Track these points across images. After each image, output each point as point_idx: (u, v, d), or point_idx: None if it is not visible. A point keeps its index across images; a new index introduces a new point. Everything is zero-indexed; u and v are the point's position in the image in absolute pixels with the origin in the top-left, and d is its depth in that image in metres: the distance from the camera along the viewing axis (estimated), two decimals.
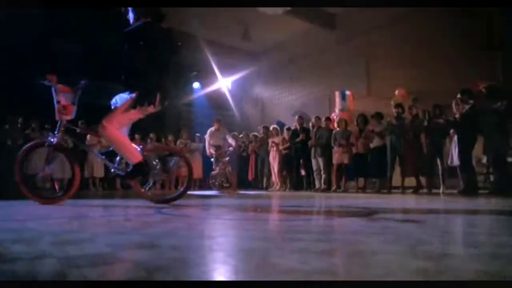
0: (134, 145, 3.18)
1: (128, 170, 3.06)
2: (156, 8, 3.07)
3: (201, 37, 10.97)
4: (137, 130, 9.86)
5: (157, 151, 3.61)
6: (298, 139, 8.30)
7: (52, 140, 3.18)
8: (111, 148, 3.19)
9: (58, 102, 3.16)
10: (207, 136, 7.93)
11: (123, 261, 0.91)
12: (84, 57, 9.66)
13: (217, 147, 7.70)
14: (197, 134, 10.07)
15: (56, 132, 3.20)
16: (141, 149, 3.21)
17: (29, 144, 3.36)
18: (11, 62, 8.57)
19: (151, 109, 2.99)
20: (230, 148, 7.84)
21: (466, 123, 5.57)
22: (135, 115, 2.99)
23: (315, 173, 8.00)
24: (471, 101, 5.63)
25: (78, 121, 9.24)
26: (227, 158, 7.70)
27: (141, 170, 3.03)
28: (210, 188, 7.89)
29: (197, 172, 10.04)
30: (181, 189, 3.36)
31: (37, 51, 9.13)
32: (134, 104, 2.90)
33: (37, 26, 8.79)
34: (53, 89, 3.15)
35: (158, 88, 2.95)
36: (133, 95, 2.94)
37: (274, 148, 8.82)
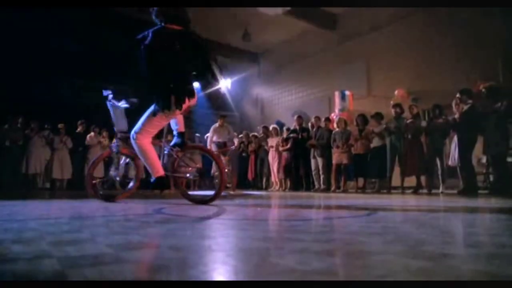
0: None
1: (151, 180, 3.19)
2: (173, 9, 3.04)
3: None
4: None
5: (190, 151, 3.68)
6: (292, 135, 8.29)
7: (114, 147, 3.44)
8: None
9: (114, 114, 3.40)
10: (210, 133, 7.70)
11: (123, 261, 0.91)
12: (86, 59, 9.66)
13: (221, 145, 7.47)
14: (197, 134, 10.06)
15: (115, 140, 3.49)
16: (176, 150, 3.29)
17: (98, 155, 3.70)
18: (11, 62, 8.57)
19: (171, 114, 3.02)
20: (232, 147, 7.75)
21: (466, 123, 5.57)
22: (160, 121, 3.08)
23: (314, 173, 8.00)
24: (470, 101, 5.63)
25: (77, 121, 9.26)
26: (227, 157, 7.58)
27: (161, 184, 3.15)
28: (212, 188, 7.86)
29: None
30: (217, 189, 3.39)
31: (37, 51, 9.12)
32: (154, 112, 2.98)
33: (39, 26, 8.80)
34: (111, 104, 3.38)
35: (171, 92, 2.95)
36: (153, 105, 3.02)
37: (273, 149, 8.82)
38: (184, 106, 3.02)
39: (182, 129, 3.39)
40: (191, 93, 3.07)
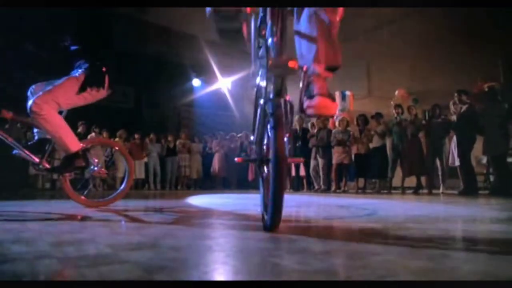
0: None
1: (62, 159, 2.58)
2: None
3: (202, 38, 10.99)
4: (137, 131, 9.87)
5: None
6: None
7: None
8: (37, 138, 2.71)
9: None
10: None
11: (123, 261, 0.91)
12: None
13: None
14: (221, 132, 10.07)
15: None
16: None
17: None
18: (11, 62, 8.56)
19: (100, 94, 2.58)
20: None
21: (464, 123, 5.57)
22: (82, 99, 2.53)
23: (312, 174, 7.99)
24: (468, 101, 5.64)
25: (78, 122, 9.23)
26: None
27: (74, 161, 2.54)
28: (211, 188, 7.84)
29: (197, 172, 10.03)
30: None
31: (38, 51, 9.10)
32: (83, 86, 2.49)
33: (39, 25, 8.77)
34: None
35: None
36: (79, 72, 2.53)
37: None
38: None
39: None
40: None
